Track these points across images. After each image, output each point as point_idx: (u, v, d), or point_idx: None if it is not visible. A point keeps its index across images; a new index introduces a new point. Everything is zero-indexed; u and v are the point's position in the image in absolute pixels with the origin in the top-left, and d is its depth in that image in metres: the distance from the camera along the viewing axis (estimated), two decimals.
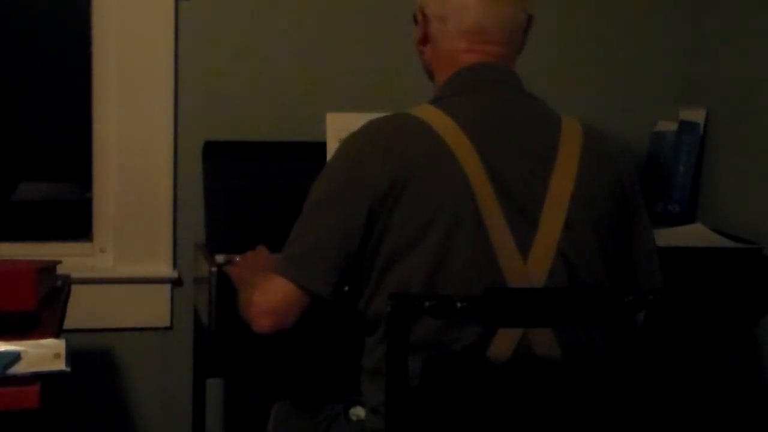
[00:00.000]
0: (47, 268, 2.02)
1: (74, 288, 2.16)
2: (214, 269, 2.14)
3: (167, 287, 2.64)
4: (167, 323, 2.65)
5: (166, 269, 2.62)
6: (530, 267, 1.55)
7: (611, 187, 1.65)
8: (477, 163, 1.56)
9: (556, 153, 1.62)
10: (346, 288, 1.63)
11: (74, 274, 2.25)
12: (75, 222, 2.76)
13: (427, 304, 1.43)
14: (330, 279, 1.59)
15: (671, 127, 2.80)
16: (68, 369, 1.53)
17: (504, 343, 1.54)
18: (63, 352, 1.59)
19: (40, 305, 1.85)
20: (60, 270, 2.13)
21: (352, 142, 1.66)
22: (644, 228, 1.73)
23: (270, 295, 1.61)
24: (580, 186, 1.60)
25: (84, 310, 2.35)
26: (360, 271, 1.61)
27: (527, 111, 1.68)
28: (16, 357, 1.55)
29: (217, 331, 2.14)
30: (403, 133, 1.60)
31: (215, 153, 2.45)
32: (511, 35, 1.72)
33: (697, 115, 2.75)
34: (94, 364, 2.60)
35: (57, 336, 1.72)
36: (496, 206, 1.55)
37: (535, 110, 1.69)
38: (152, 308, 2.64)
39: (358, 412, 1.69)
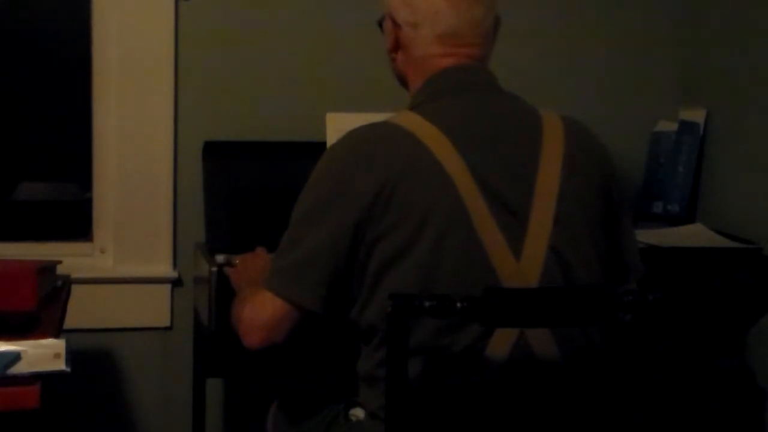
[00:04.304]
0: (47, 268, 2.02)
1: (74, 288, 2.16)
2: (214, 269, 2.14)
3: (167, 287, 2.64)
4: (167, 323, 2.65)
5: (166, 269, 2.62)
6: (523, 265, 1.55)
7: (596, 180, 1.65)
8: (462, 166, 1.56)
9: (539, 150, 1.62)
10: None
11: (74, 274, 2.25)
12: (75, 222, 2.76)
13: (427, 304, 1.43)
14: (318, 292, 1.58)
15: (671, 127, 2.80)
16: (68, 369, 1.53)
17: (501, 343, 1.54)
18: (63, 352, 1.59)
19: (40, 305, 1.85)
20: (60, 270, 2.13)
21: (334, 153, 1.65)
22: (627, 220, 1.75)
23: (259, 310, 1.62)
24: (565, 181, 1.60)
25: (84, 310, 2.35)
26: (351, 281, 1.61)
27: (507, 110, 1.68)
28: (16, 357, 1.55)
29: (217, 331, 2.14)
30: (385, 142, 1.60)
31: (215, 153, 2.45)
32: (485, 36, 1.70)
33: (697, 115, 2.75)
34: (94, 364, 2.60)
35: (57, 336, 1.72)
36: (485, 208, 1.55)
37: (515, 109, 1.69)
38: (152, 308, 2.64)
39: (358, 413, 1.69)
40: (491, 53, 1.75)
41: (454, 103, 1.65)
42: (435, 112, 1.62)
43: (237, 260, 2.00)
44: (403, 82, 1.76)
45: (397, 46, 1.72)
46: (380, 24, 1.79)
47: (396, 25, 1.71)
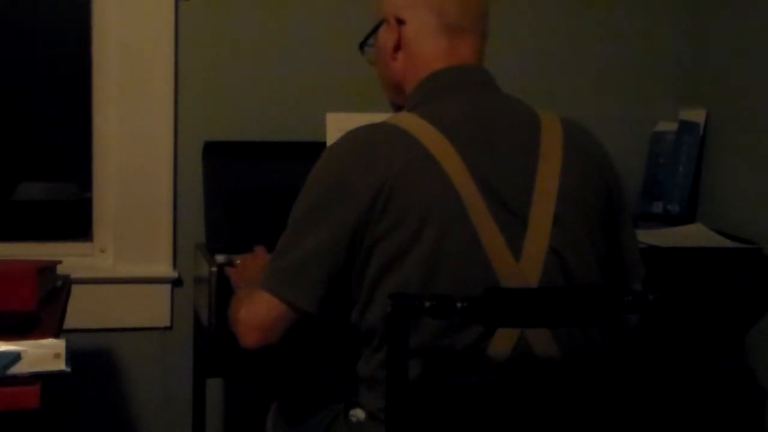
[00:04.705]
0: (47, 268, 2.02)
1: (74, 288, 2.16)
2: (214, 269, 2.14)
3: (167, 287, 2.64)
4: (167, 323, 2.65)
5: (166, 269, 2.62)
6: (523, 265, 1.55)
7: (595, 180, 1.65)
8: (461, 167, 1.56)
9: (538, 150, 1.62)
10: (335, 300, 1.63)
11: (74, 274, 2.25)
12: (75, 222, 2.75)
13: (427, 304, 1.43)
14: (315, 293, 1.58)
15: (671, 127, 2.80)
16: (68, 369, 1.53)
17: (502, 343, 1.54)
18: (63, 352, 1.59)
19: (40, 305, 1.85)
20: (60, 270, 2.13)
21: (332, 154, 1.65)
22: (628, 221, 1.75)
23: (255, 310, 1.61)
24: (565, 181, 1.60)
25: (84, 310, 2.35)
26: (349, 283, 1.61)
27: (506, 110, 1.68)
28: (16, 357, 1.55)
29: (217, 331, 2.14)
30: (384, 142, 1.59)
31: (215, 153, 2.45)
32: (484, 31, 1.72)
33: (697, 115, 2.75)
34: (94, 364, 2.61)
35: (57, 336, 1.72)
36: (484, 208, 1.55)
37: (514, 109, 1.69)
38: (152, 308, 2.64)
39: (358, 413, 1.69)
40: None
41: (452, 103, 1.65)
42: (433, 113, 1.62)
43: (238, 260, 2.00)
44: (398, 86, 1.75)
45: (398, 45, 1.72)
46: (364, 44, 1.80)
47: (400, 22, 1.71)
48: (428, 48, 1.69)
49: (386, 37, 1.74)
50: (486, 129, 1.62)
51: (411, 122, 1.61)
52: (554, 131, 1.65)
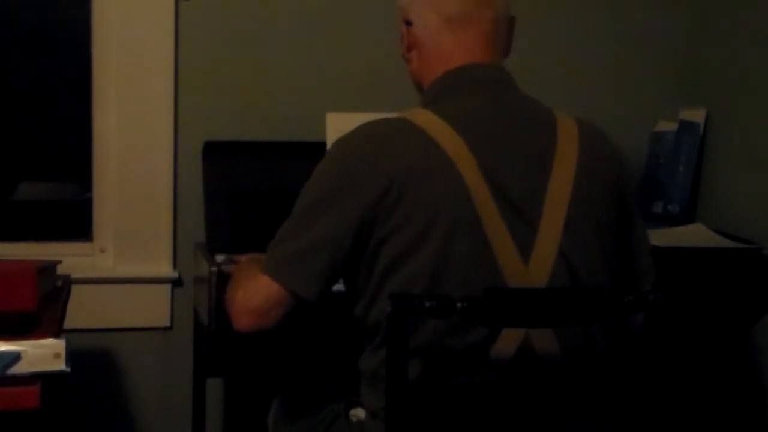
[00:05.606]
0: (47, 268, 2.02)
1: (74, 288, 2.16)
2: (214, 269, 2.14)
3: (167, 287, 2.64)
4: (167, 323, 2.65)
5: (166, 269, 2.62)
6: (532, 268, 1.55)
7: (609, 185, 1.65)
8: (474, 166, 1.55)
9: (553, 153, 1.61)
10: (339, 291, 1.63)
11: (74, 274, 2.25)
12: (75, 222, 2.75)
13: (427, 304, 1.43)
14: (315, 282, 1.58)
15: (671, 127, 2.80)
16: (68, 369, 1.54)
17: (507, 343, 1.54)
18: (63, 352, 1.59)
19: (40, 305, 1.85)
20: (60, 270, 2.13)
21: (343, 147, 1.64)
22: (640, 225, 1.74)
23: (252, 293, 1.61)
24: (578, 185, 1.59)
25: (84, 310, 2.35)
26: (355, 278, 1.61)
27: (522, 110, 1.67)
28: (16, 357, 1.55)
29: (217, 331, 2.14)
30: (396, 138, 1.59)
31: (215, 153, 2.45)
32: (495, 18, 1.70)
33: (697, 115, 2.75)
34: (94, 364, 2.60)
35: (57, 336, 1.72)
36: (495, 209, 1.54)
37: (530, 109, 1.68)
38: (152, 308, 2.64)
39: (359, 413, 1.69)
40: (507, 52, 1.74)
41: (467, 100, 1.64)
42: (448, 110, 1.61)
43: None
44: (419, 85, 1.76)
45: (411, 45, 1.72)
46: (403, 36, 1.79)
47: (408, 23, 1.71)
48: (435, 44, 1.69)
49: (404, 40, 1.75)
50: (500, 129, 1.62)
51: (424, 118, 1.60)
52: (570, 134, 1.64)
